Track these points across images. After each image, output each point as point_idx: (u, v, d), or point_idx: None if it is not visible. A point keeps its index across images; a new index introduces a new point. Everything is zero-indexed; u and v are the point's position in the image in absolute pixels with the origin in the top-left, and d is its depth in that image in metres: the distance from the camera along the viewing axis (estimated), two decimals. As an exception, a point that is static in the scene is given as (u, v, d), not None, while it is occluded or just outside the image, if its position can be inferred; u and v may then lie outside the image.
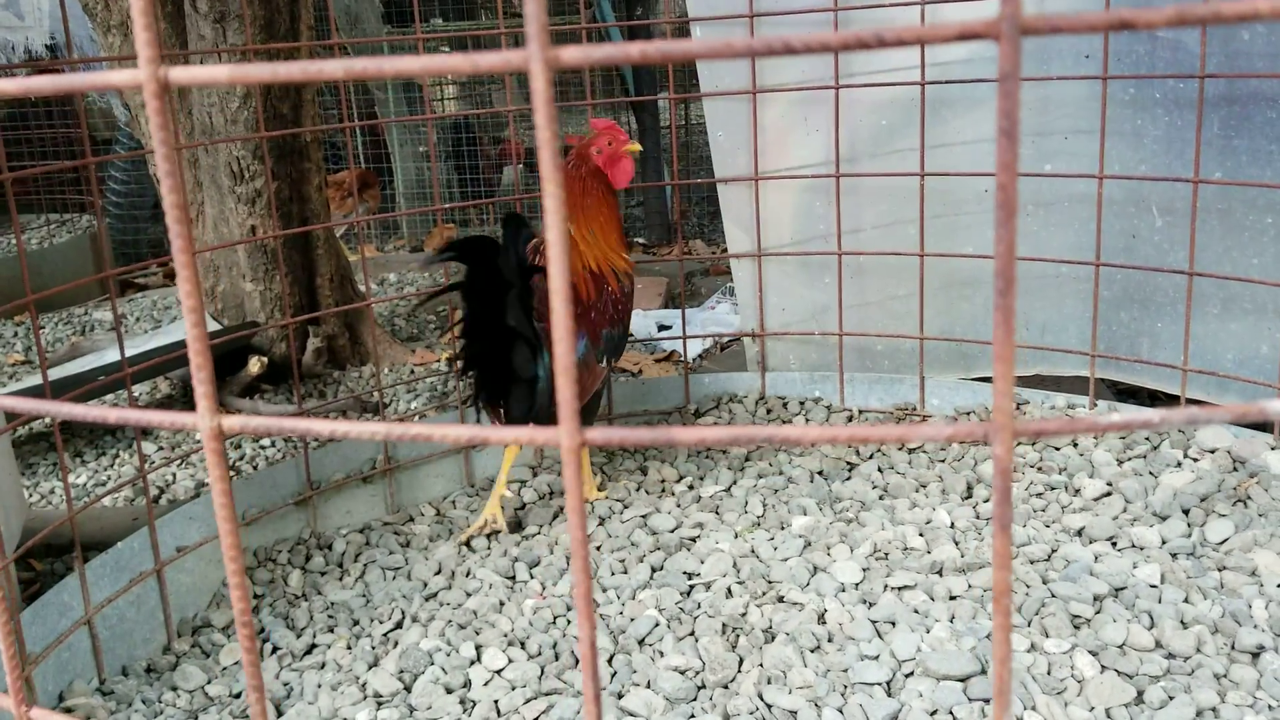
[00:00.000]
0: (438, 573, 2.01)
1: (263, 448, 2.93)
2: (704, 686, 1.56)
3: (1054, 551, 1.78)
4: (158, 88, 0.48)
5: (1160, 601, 1.62)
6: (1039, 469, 2.07)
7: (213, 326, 3.33)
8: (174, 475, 2.75)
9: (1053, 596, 1.64)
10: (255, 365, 3.22)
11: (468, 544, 2.11)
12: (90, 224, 5.86)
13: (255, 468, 2.79)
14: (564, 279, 0.48)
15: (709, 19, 2.41)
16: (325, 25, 5.21)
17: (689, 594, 1.82)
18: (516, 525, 2.19)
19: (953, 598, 1.67)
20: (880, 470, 2.18)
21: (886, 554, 1.83)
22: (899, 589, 1.71)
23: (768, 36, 0.44)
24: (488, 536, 2.13)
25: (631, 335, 2.76)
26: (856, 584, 1.75)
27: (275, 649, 1.84)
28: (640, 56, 0.45)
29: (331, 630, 1.87)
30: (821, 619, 1.67)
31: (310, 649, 1.83)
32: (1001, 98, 0.42)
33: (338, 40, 2.21)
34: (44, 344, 4.18)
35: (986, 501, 2.00)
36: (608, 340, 2.16)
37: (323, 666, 1.77)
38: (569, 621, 1.78)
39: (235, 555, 0.55)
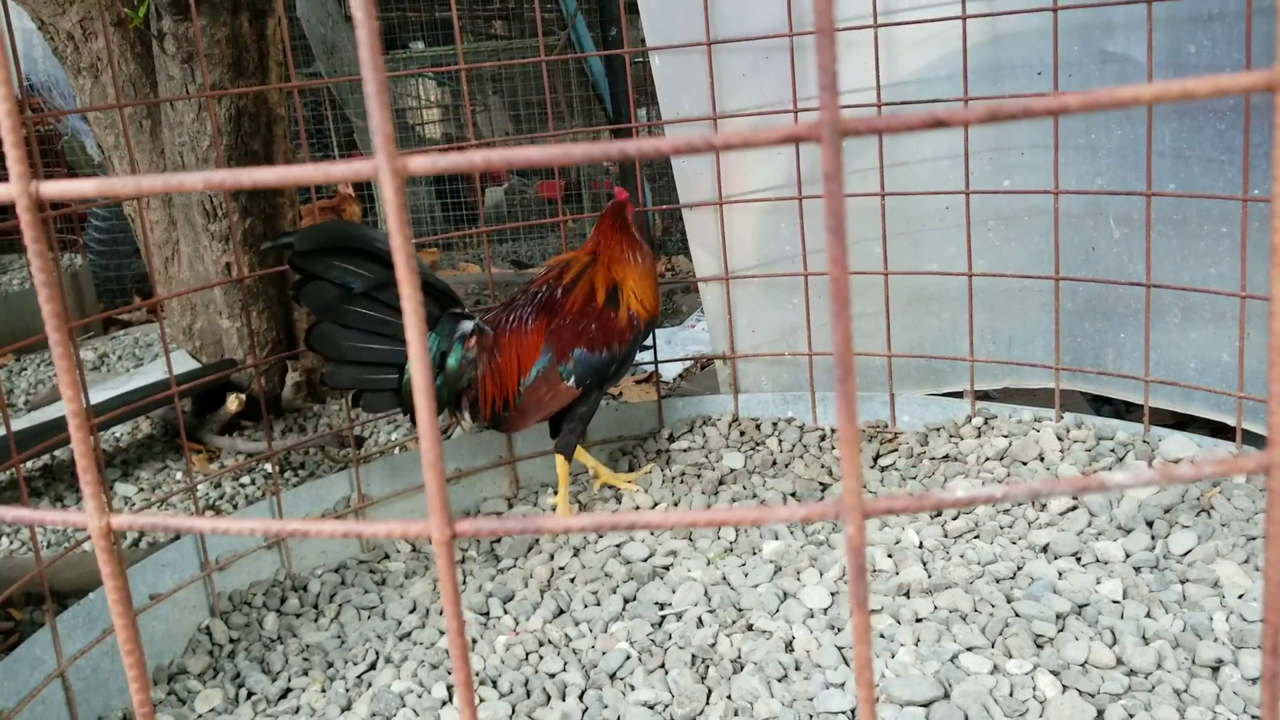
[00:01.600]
0: (412, 611, 2.02)
1: (243, 485, 2.94)
2: None
3: (1019, 569, 1.79)
4: (30, 202, 0.50)
5: (1122, 617, 1.63)
6: (1005, 484, 2.08)
7: (191, 365, 3.34)
8: (154, 517, 2.76)
9: (1016, 616, 1.65)
10: (234, 403, 3.23)
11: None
12: (71, 262, 5.87)
13: (235, 507, 2.80)
14: (426, 377, 0.49)
15: (667, 48, 2.43)
16: (296, 58, 5.24)
17: (660, 624, 1.83)
18: (492, 557, 2.21)
19: (919, 620, 1.68)
20: (851, 490, 2.19)
21: (854, 577, 1.84)
22: (865, 613, 1.72)
23: (611, 144, 0.45)
24: (463, 571, 2.14)
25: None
26: (825, 609, 1.76)
27: (250, 694, 1.85)
28: (484, 164, 0.46)
29: (306, 673, 1.87)
30: (789, 647, 1.68)
31: (285, 693, 1.84)
32: (826, 197, 0.44)
33: (297, 84, 2.22)
34: (26, 385, 4.19)
35: (955, 519, 2.01)
36: (581, 361, 2.17)
37: (297, 711, 1.77)
38: (541, 658, 1.78)
39: (132, 649, 0.56)
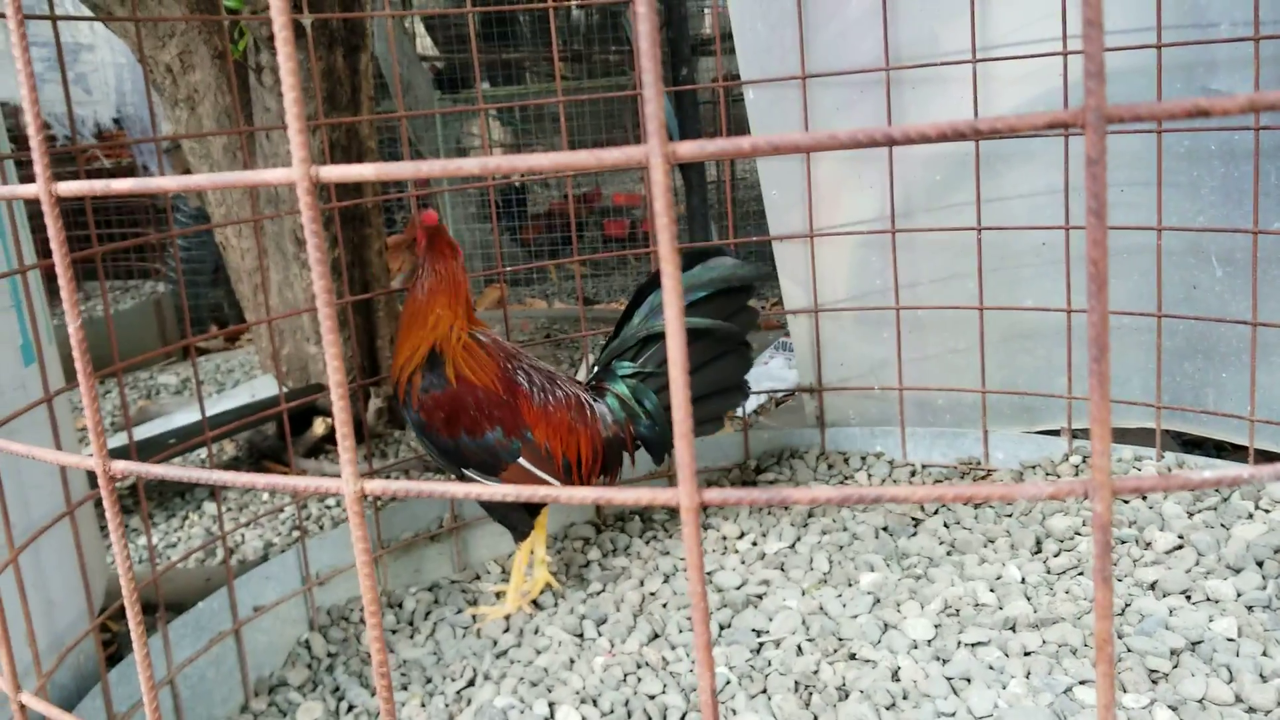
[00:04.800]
0: (506, 630, 2.03)
1: (329, 507, 2.98)
2: (778, 743, 1.57)
3: (1128, 606, 1.77)
4: (310, 185, 0.53)
5: (1238, 655, 1.61)
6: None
7: (276, 390, 3.40)
8: (243, 536, 2.81)
9: (1129, 651, 1.63)
10: (320, 426, 3.29)
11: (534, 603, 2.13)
12: (154, 290, 6.02)
13: (321, 528, 2.84)
14: (681, 350, 0.51)
15: (761, 81, 2.46)
16: (381, 94, 5.36)
17: (759, 651, 1.83)
18: (580, 582, 2.22)
19: (1027, 653, 1.67)
20: (946, 526, 2.18)
21: (958, 610, 1.83)
22: (972, 645, 1.71)
23: (874, 128, 0.47)
24: (554, 594, 2.15)
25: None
26: (929, 640, 1.75)
27: (351, 707, 1.87)
28: (751, 149, 0.48)
29: (405, 688, 1.90)
30: (895, 676, 1.67)
31: (384, 707, 1.86)
32: (1089, 180, 0.46)
33: (401, 114, 2.28)
34: (111, 406, 4.29)
35: (1057, 556, 1.99)
36: None
37: (398, 725, 1.79)
38: (640, 679, 1.79)
39: (374, 610, 0.59)
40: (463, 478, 2.06)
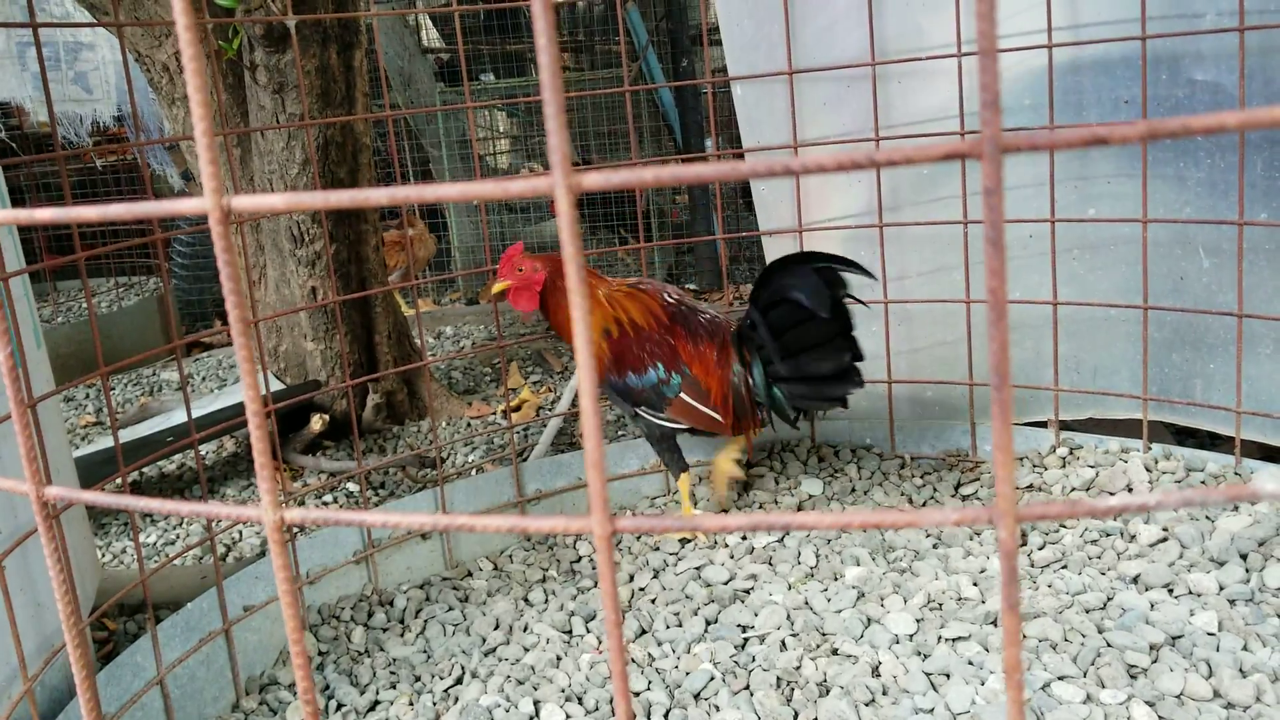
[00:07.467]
0: (496, 628, 2.05)
1: (325, 504, 3.00)
2: (759, 740, 1.58)
3: (1109, 599, 1.78)
4: (221, 215, 0.53)
5: (1218, 650, 1.61)
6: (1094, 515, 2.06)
7: (275, 386, 3.41)
8: (240, 533, 2.83)
9: (1108, 646, 1.63)
10: (317, 423, 3.30)
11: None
12: (157, 287, 6.04)
13: (317, 526, 2.85)
14: (591, 379, 0.52)
15: (749, 77, 2.46)
16: (379, 87, 5.35)
17: (744, 647, 1.84)
18: (570, 574, 2.23)
19: (1006, 648, 1.67)
20: (933, 518, 2.18)
21: (940, 604, 1.84)
22: (953, 640, 1.71)
23: (774, 160, 0.48)
24: (545, 590, 2.17)
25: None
26: (910, 635, 1.76)
27: (340, 706, 1.88)
28: (654, 180, 0.49)
29: (394, 686, 1.91)
30: (876, 671, 1.68)
31: (373, 705, 1.87)
32: (986, 210, 0.46)
33: (391, 113, 2.28)
34: (113, 404, 4.31)
35: (1041, 549, 2.00)
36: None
37: (385, 723, 1.81)
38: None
39: (298, 639, 0.59)
40: (637, 417, 2.25)
